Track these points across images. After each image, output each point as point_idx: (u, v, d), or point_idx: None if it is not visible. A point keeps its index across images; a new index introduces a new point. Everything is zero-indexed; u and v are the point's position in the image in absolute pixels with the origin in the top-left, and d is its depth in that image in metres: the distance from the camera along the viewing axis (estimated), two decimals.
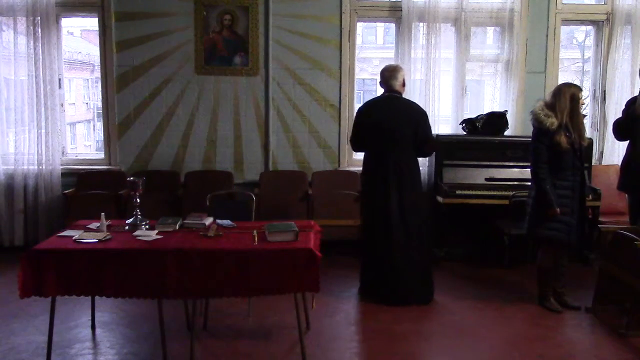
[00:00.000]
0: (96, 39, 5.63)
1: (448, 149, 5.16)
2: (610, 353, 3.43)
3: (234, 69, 5.53)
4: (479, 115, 5.42)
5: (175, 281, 3.04)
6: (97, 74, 6.82)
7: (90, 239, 3.21)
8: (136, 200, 3.52)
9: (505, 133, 5.38)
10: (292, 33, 5.52)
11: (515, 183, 4.98)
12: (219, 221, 3.56)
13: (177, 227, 3.47)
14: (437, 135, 5.21)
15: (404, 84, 4.29)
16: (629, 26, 5.58)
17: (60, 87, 5.50)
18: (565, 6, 5.67)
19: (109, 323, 3.81)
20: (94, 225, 3.49)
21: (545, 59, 5.67)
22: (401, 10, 5.45)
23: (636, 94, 4.54)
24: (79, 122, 16.14)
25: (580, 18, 5.78)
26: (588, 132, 4.61)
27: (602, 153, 5.75)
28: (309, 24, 5.52)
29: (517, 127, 5.61)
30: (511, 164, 5.12)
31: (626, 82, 5.60)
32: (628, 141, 4.46)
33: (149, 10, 5.43)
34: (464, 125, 5.44)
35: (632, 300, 3.63)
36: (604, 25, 5.69)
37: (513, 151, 5.15)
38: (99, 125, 8.31)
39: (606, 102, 5.68)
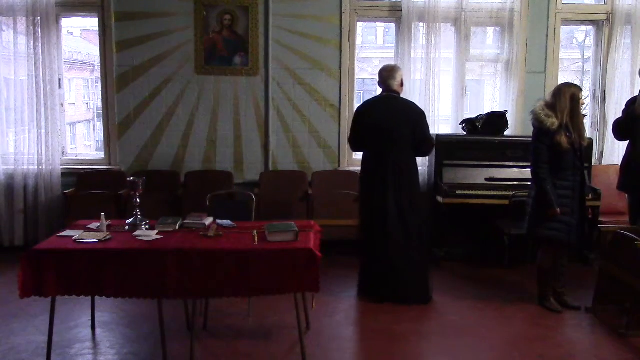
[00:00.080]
0: (96, 39, 5.63)
1: (448, 149, 5.16)
2: (610, 353, 3.43)
3: (234, 69, 5.53)
4: (479, 115, 5.42)
5: (175, 281, 3.04)
6: (97, 74, 6.82)
7: (90, 239, 3.21)
8: (136, 200, 3.52)
9: (505, 133, 5.37)
10: (292, 33, 5.52)
11: (515, 183, 4.98)
12: (219, 221, 3.56)
13: (177, 227, 3.47)
14: (437, 135, 5.21)
15: (402, 84, 4.30)
16: (629, 26, 5.58)
17: (60, 87, 5.50)
18: (565, 6, 5.67)
19: (109, 323, 3.81)
20: (94, 225, 3.49)
21: (545, 59, 5.67)
22: (401, 10, 5.45)
23: (636, 94, 4.54)
24: (79, 122, 16.14)
25: (580, 18, 5.78)
26: (588, 132, 4.61)
27: (602, 153, 5.75)
28: (309, 24, 5.52)
29: (517, 127, 5.61)
30: (511, 164, 5.12)
31: (626, 82, 5.60)
32: (628, 141, 4.46)
33: (149, 10, 5.43)
34: (464, 125, 5.44)
35: (632, 300, 3.63)
36: (604, 25, 5.69)
37: (513, 151, 5.15)
38: (99, 125, 8.31)
39: (606, 102, 5.68)
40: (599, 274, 4.04)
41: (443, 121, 5.68)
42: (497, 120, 5.32)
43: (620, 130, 4.47)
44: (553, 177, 3.88)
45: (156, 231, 3.38)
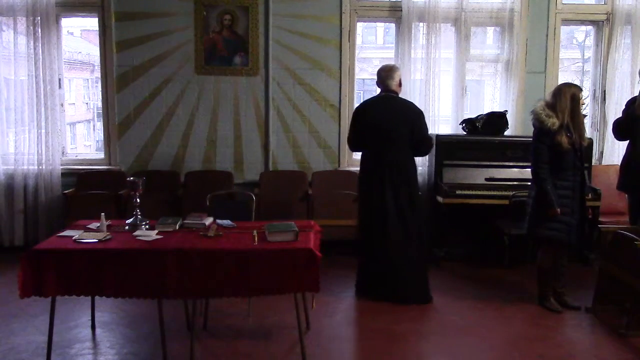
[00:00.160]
0: (96, 39, 5.63)
1: (448, 149, 5.16)
2: (610, 353, 3.43)
3: (234, 69, 5.53)
4: (479, 115, 5.42)
5: (175, 281, 3.04)
6: (97, 74, 6.82)
7: (90, 239, 3.21)
8: (136, 200, 3.52)
9: (505, 133, 5.37)
10: (292, 33, 5.52)
11: (515, 183, 4.98)
12: (219, 221, 3.56)
13: (177, 227, 3.47)
14: (437, 135, 5.21)
15: (400, 84, 4.30)
16: (629, 26, 5.58)
17: (60, 87, 5.50)
18: (565, 6, 5.67)
19: (109, 323, 3.81)
20: (94, 225, 3.49)
21: (545, 59, 5.67)
22: (401, 10, 5.45)
23: (636, 94, 4.54)
24: (79, 122, 16.13)
25: (580, 18, 5.78)
26: (588, 132, 4.61)
27: (602, 153, 5.75)
28: (309, 24, 5.52)
29: (517, 127, 5.61)
30: (511, 164, 5.12)
31: (626, 82, 5.60)
32: (628, 141, 4.46)
33: (149, 10, 5.43)
34: (464, 125, 5.44)
35: (632, 300, 3.63)
36: (604, 25, 5.69)
37: (513, 151, 5.15)
38: (99, 125, 8.30)
39: (606, 102, 5.68)
40: (599, 274, 4.04)
41: (443, 121, 5.68)
42: (497, 120, 5.32)
43: (620, 130, 4.48)
44: (553, 177, 3.88)
45: (156, 231, 3.38)
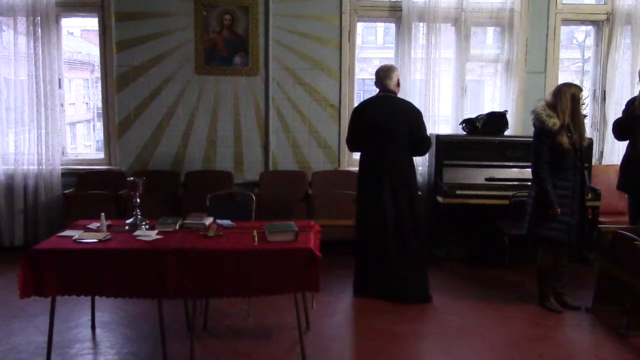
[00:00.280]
0: (96, 39, 5.63)
1: (448, 149, 5.16)
2: (610, 353, 3.43)
3: (234, 69, 5.53)
4: (479, 115, 5.42)
5: (175, 281, 3.04)
6: (97, 74, 6.82)
7: (90, 239, 3.21)
8: (136, 200, 3.52)
9: (505, 133, 5.37)
10: (292, 33, 5.52)
11: (515, 183, 4.99)
12: (219, 221, 3.56)
13: (177, 227, 3.47)
14: (437, 135, 5.21)
15: (398, 84, 4.31)
16: (629, 26, 5.58)
17: (60, 87, 5.50)
18: (565, 6, 5.66)
19: (109, 323, 3.81)
20: (94, 225, 3.49)
21: (545, 59, 5.67)
22: (401, 10, 5.45)
23: (636, 94, 4.54)
24: (79, 122, 16.14)
25: (580, 18, 5.78)
26: (588, 132, 4.61)
27: (602, 153, 5.75)
28: (309, 24, 5.52)
29: (517, 127, 5.61)
30: (511, 164, 5.12)
31: (626, 82, 5.60)
32: (628, 141, 4.46)
33: (149, 10, 5.43)
34: (464, 125, 5.44)
35: (632, 300, 3.63)
36: (604, 25, 5.69)
37: (513, 151, 5.15)
38: (99, 125, 8.30)
39: (606, 102, 5.68)
40: (599, 274, 4.04)
41: (443, 121, 5.68)
42: (497, 120, 5.32)
43: (620, 130, 4.48)
44: (553, 177, 3.88)
45: (156, 231, 3.38)
